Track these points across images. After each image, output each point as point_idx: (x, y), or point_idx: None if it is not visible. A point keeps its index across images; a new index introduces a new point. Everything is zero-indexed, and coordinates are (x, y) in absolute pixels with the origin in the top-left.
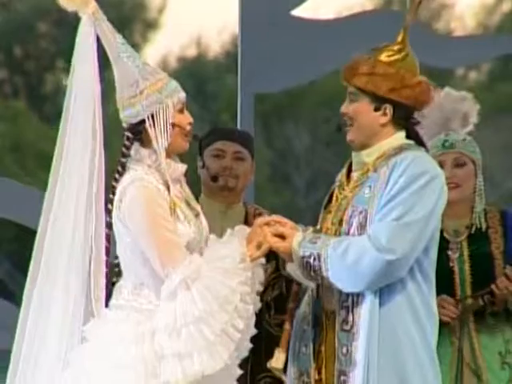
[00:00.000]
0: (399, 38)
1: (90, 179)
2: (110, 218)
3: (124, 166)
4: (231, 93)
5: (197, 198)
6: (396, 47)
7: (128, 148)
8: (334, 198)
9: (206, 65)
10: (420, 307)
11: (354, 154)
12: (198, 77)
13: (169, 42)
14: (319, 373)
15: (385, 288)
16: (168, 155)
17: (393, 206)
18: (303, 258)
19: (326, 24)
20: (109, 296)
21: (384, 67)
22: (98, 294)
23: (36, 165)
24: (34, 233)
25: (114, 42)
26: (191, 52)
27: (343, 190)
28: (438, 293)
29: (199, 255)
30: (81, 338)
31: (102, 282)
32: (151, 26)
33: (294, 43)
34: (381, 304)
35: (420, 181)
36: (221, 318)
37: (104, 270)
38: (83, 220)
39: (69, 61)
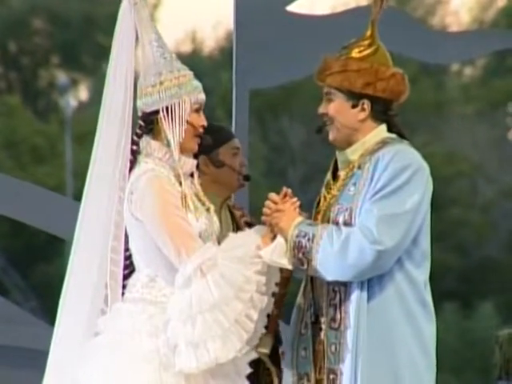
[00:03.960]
0: (368, 33)
1: (119, 172)
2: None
3: (134, 154)
4: (226, 88)
5: None
6: (366, 42)
7: (139, 136)
8: (323, 198)
9: (200, 60)
10: (411, 299)
11: (338, 152)
12: (192, 72)
13: (163, 37)
14: (319, 373)
15: (374, 282)
16: (180, 152)
17: (379, 198)
18: (297, 236)
19: (321, 19)
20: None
21: (357, 63)
22: (113, 285)
23: (30, 160)
24: (27, 228)
25: (150, 29)
26: (186, 47)
27: (330, 189)
28: None
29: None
30: (97, 331)
31: (120, 274)
32: None
33: (289, 39)
34: (369, 298)
35: (404, 175)
36: (235, 307)
37: (122, 262)
38: (110, 213)
39: (63, 57)
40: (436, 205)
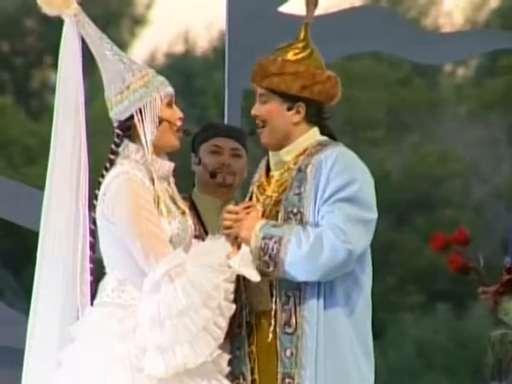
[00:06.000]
0: (301, 35)
1: (77, 178)
2: (95, 213)
3: (112, 163)
4: (219, 88)
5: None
6: (300, 45)
7: (117, 145)
8: (255, 199)
9: (193, 61)
10: (358, 302)
11: (271, 153)
12: (185, 73)
13: (156, 38)
14: (252, 373)
15: (326, 287)
16: (158, 152)
17: (336, 201)
18: (263, 239)
19: (313, 20)
20: (94, 294)
21: (293, 66)
22: (83, 289)
23: (22, 160)
24: (19, 229)
25: (99, 42)
26: (179, 48)
27: (264, 190)
28: None
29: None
30: (71, 337)
31: (87, 277)
32: (139, 22)
33: (281, 39)
34: (323, 303)
35: (352, 178)
36: (203, 314)
37: (88, 265)
38: (71, 217)
39: (56, 57)
40: (428, 205)
